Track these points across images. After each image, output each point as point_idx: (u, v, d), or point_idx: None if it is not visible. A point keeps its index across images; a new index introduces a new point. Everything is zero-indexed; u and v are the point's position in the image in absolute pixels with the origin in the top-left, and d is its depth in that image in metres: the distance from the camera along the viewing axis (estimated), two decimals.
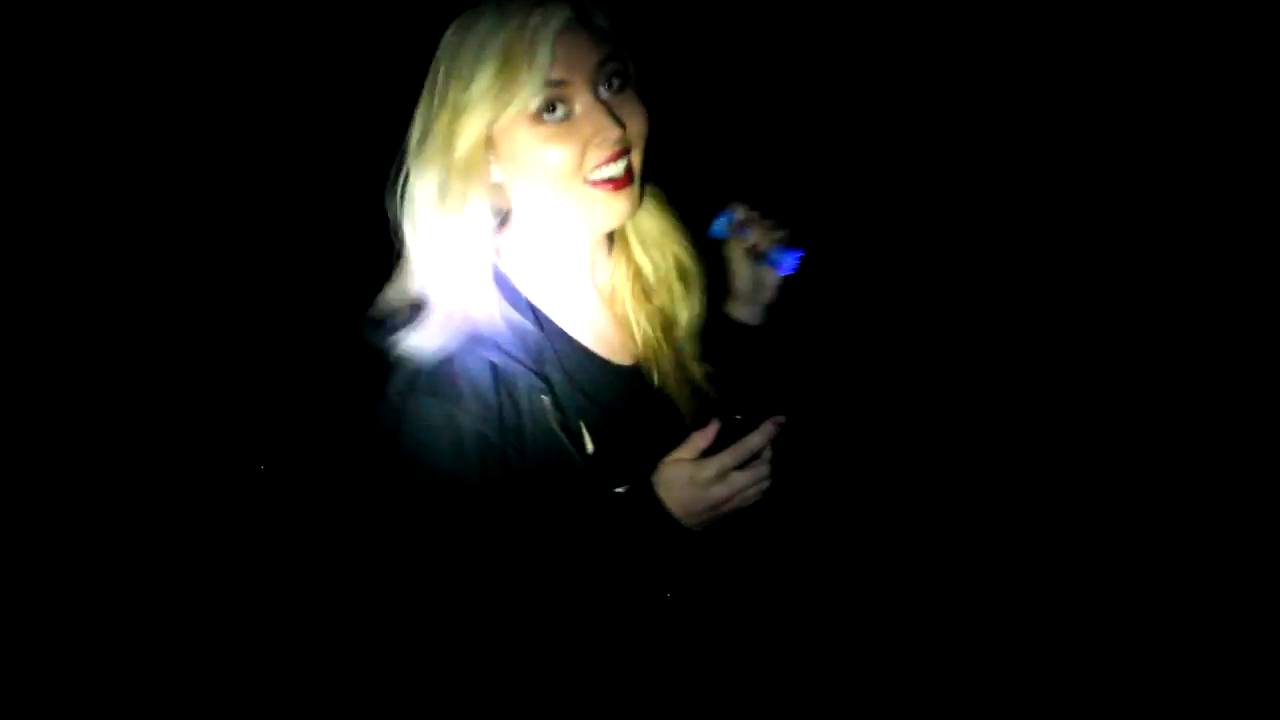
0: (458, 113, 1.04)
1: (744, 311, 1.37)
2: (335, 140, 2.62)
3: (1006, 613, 2.19)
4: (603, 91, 1.06)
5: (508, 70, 1.02)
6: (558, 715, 1.16)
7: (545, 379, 1.08)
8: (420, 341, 1.04)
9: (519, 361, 1.06)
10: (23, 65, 2.53)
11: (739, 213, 1.31)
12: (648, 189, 1.16)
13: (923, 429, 2.65)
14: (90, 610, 2.29)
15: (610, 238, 1.18)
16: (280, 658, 2.18)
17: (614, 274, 1.20)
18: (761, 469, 1.04)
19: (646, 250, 1.21)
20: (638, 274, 1.21)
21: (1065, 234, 2.87)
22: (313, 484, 2.45)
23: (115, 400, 2.64)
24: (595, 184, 1.06)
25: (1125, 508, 2.37)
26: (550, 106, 1.04)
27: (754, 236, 1.30)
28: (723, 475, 1.02)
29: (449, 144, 1.05)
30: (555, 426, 1.06)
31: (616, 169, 1.06)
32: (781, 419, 1.04)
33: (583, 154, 1.05)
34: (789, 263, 1.31)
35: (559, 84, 1.03)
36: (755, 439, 1.03)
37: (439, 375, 1.03)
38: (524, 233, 1.14)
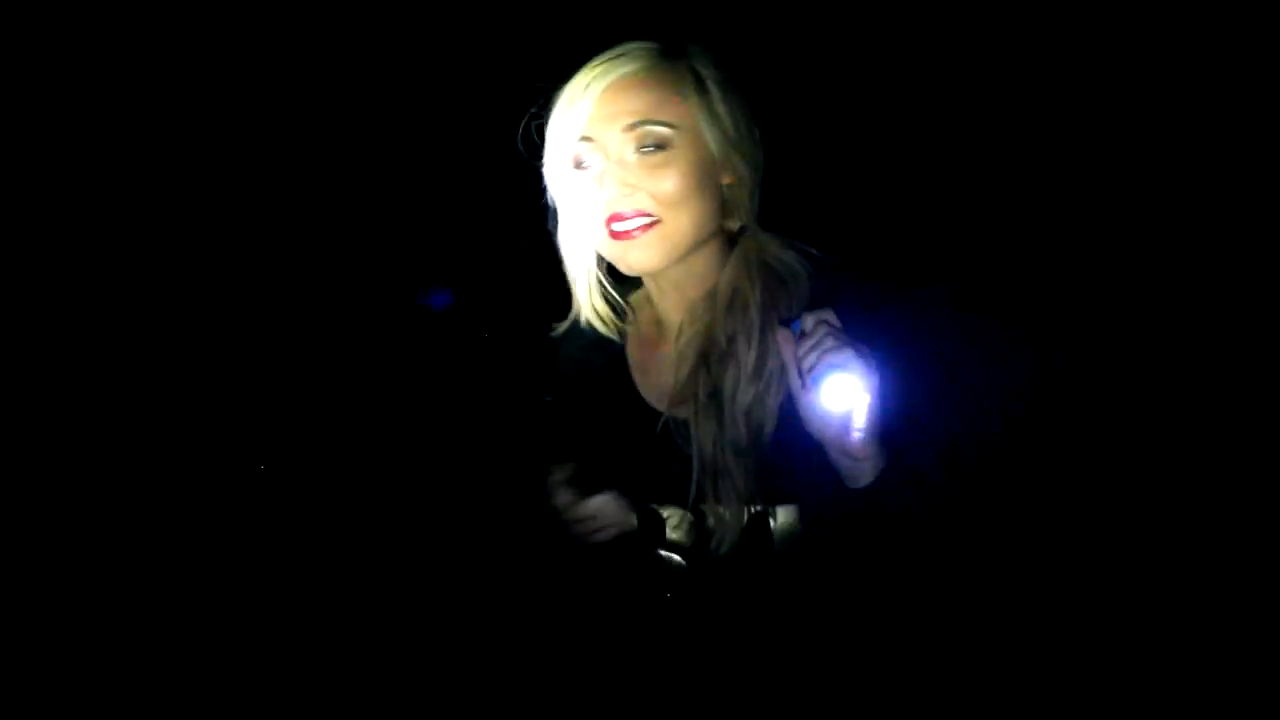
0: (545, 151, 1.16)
1: (843, 464, 1.07)
2: (335, 142, 2.62)
3: (1007, 613, 2.19)
4: (629, 153, 1.08)
5: (556, 123, 1.11)
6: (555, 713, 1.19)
7: (558, 387, 1.32)
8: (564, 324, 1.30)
9: (548, 367, 1.32)
10: (22, 65, 2.53)
11: (807, 324, 1.03)
12: (754, 258, 1.17)
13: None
14: (90, 609, 2.29)
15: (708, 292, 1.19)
16: (279, 656, 2.18)
17: (692, 325, 1.19)
18: (577, 512, 1.18)
19: (717, 315, 1.16)
20: (708, 336, 1.17)
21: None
22: (312, 483, 2.45)
23: (115, 399, 2.64)
24: (612, 233, 1.11)
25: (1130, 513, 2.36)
26: (581, 160, 1.11)
27: (802, 354, 1.01)
28: (555, 489, 1.18)
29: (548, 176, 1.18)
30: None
31: (632, 224, 1.09)
32: (569, 468, 1.18)
33: (595, 207, 1.10)
34: (832, 400, 0.94)
35: (587, 140, 1.09)
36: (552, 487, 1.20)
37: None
38: None
